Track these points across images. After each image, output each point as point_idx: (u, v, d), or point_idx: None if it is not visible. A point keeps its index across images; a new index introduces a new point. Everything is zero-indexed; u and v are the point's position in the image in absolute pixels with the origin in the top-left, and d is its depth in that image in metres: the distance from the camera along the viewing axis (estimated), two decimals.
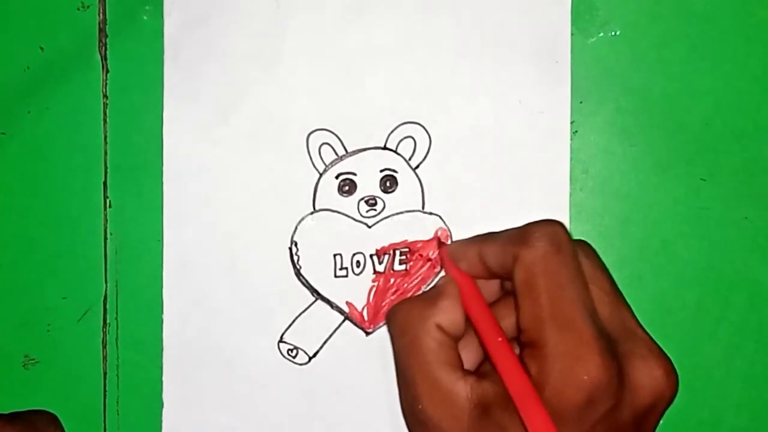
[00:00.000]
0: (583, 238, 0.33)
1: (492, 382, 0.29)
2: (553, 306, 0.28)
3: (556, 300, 0.28)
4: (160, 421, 0.43)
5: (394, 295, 0.42)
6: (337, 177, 0.43)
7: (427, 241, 0.42)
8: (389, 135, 0.43)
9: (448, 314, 0.32)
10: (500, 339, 0.30)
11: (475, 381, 0.30)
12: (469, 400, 0.29)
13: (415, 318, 0.32)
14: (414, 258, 0.42)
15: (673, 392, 0.30)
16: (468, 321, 0.33)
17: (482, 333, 0.31)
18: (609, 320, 0.30)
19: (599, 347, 0.28)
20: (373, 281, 0.42)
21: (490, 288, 0.34)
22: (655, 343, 0.31)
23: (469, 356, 0.33)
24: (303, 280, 0.42)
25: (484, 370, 0.32)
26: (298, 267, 0.42)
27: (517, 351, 0.30)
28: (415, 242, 0.42)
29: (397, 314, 0.33)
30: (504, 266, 0.31)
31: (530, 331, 0.29)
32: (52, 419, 0.42)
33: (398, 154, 0.43)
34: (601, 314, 0.30)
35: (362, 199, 0.43)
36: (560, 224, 0.31)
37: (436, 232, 0.42)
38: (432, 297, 0.33)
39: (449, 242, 0.41)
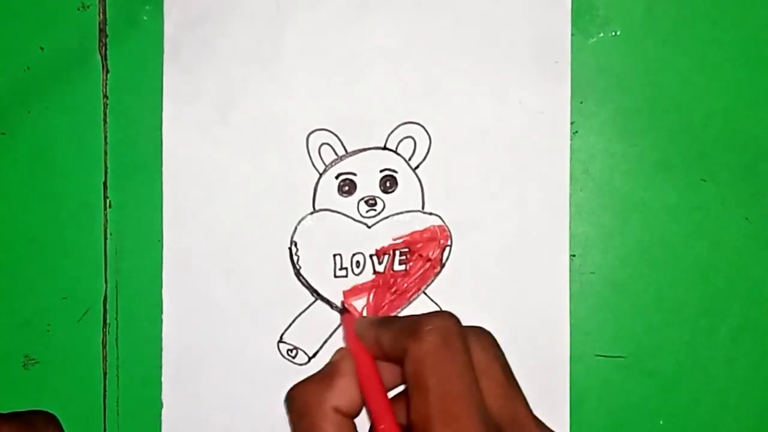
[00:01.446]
0: (478, 325, 0.33)
1: None
2: (441, 402, 0.29)
3: (443, 396, 0.29)
4: (160, 421, 0.42)
5: (394, 295, 0.42)
6: (337, 177, 0.43)
7: (427, 241, 0.42)
8: (389, 135, 0.43)
9: (344, 395, 0.32)
10: (384, 426, 0.31)
11: None
12: None
13: (312, 402, 0.32)
14: (414, 258, 0.42)
15: None
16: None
17: (374, 418, 0.32)
18: (499, 413, 0.30)
19: None
20: (373, 281, 0.42)
21: (393, 369, 0.34)
22: None
23: None
24: (303, 280, 0.42)
25: None
26: (298, 267, 0.42)
27: None
28: (415, 242, 0.42)
29: (294, 398, 0.33)
30: (396, 355, 0.31)
31: (418, 425, 0.29)
32: (52, 419, 0.42)
33: (398, 154, 0.43)
34: (492, 407, 0.30)
35: (362, 199, 0.43)
36: (452, 316, 0.31)
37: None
38: (328, 377, 0.33)
39: (358, 313, 0.42)
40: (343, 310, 0.41)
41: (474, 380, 0.30)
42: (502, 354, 0.32)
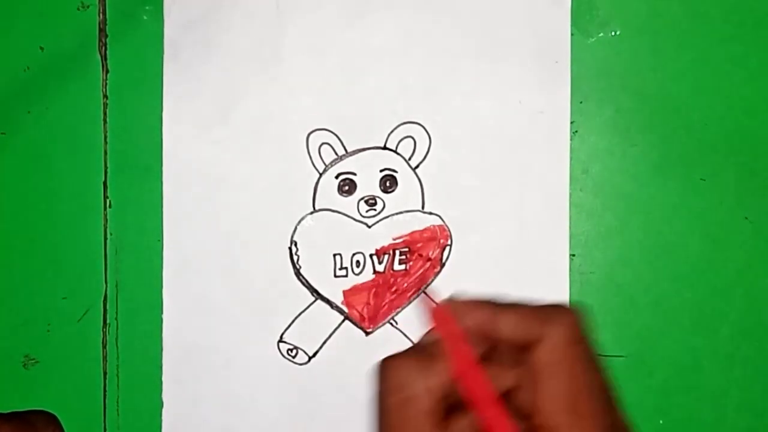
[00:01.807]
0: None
1: None
2: (576, 395, 0.29)
3: (580, 390, 0.29)
4: (160, 421, 0.43)
5: (394, 295, 0.42)
6: (337, 177, 0.43)
7: (427, 241, 0.42)
8: (389, 135, 0.43)
9: (442, 377, 0.31)
10: (501, 413, 0.30)
11: None
12: None
13: (411, 377, 0.31)
14: (414, 258, 0.42)
15: None
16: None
17: (480, 405, 0.31)
18: (609, 414, 0.31)
19: None
20: (373, 281, 0.42)
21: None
22: None
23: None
24: (303, 280, 0.42)
25: None
26: (298, 267, 0.42)
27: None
28: (415, 242, 0.42)
29: (390, 370, 0.32)
30: (525, 338, 0.31)
31: (547, 413, 0.29)
32: (52, 419, 0.42)
33: (398, 154, 0.43)
34: (603, 408, 0.30)
35: (362, 199, 0.43)
36: (580, 313, 0.31)
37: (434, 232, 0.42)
38: (427, 355, 0.32)
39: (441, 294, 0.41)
40: (433, 303, 0.40)
41: (605, 377, 0.30)
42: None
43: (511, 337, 0.31)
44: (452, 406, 0.32)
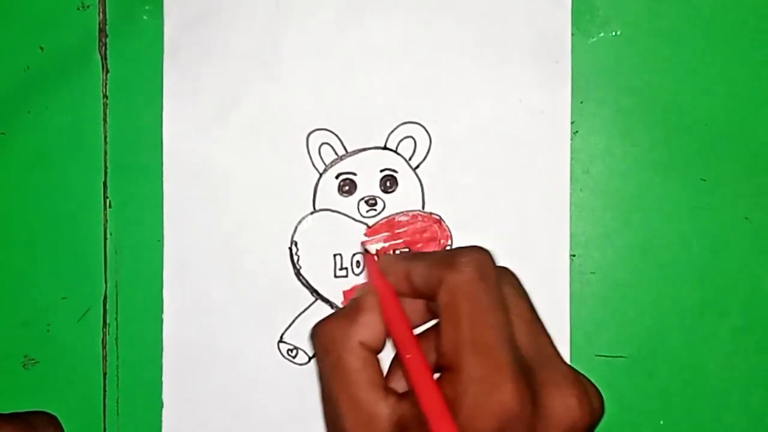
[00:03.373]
0: (505, 266, 0.34)
1: (411, 402, 0.30)
2: (473, 331, 0.29)
3: (476, 325, 0.29)
4: (160, 421, 0.42)
5: None
6: (337, 177, 0.43)
7: (427, 241, 0.42)
8: (389, 135, 0.43)
9: (370, 330, 0.32)
10: (419, 357, 0.30)
11: (395, 401, 0.30)
12: (389, 421, 0.30)
13: (337, 336, 0.32)
14: (365, 256, 0.42)
15: (586, 420, 0.30)
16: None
17: (399, 349, 0.32)
18: (527, 348, 0.31)
19: (514, 375, 0.28)
20: None
21: (417, 308, 0.34)
22: (573, 371, 0.31)
23: (398, 375, 0.33)
24: (303, 280, 0.42)
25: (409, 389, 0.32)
26: (298, 267, 0.42)
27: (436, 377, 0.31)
28: (415, 242, 0.42)
29: (319, 333, 0.33)
30: (429, 287, 0.31)
31: (448, 355, 0.29)
32: (52, 420, 0.42)
33: (398, 154, 0.43)
34: (520, 342, 0.30)
35: (362, 199, 0.43)
36: (487, 252, 0.32)
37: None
38: (353, 312, 0.33)
39: (382, 253, 0.42)
40: (365, 252, 0.41)
41: (506, 314, 0.30)
42: (527, 293, 0.33)
43: (420, 285, 0.32)
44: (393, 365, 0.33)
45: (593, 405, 0.30)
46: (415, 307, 0.34)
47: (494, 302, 0.30)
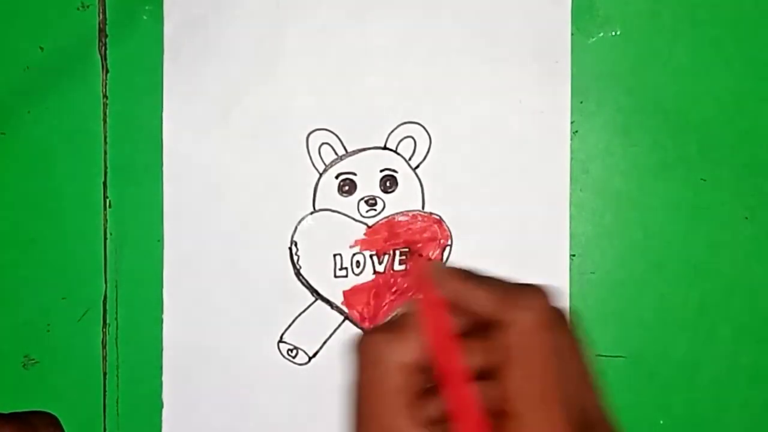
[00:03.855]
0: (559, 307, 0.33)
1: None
2: (543, 383, 0.28)
3: (546, 377, 0.28)
4: (160, 421, 0.42)
5: (394, 295, 0.42)
6: (337, 177, 0.43)
7: (427, 241, 0.42)
8: (389, 135, 0.43)
9: (418, 350, 0.31)
10: (463, 396, 0.29)
11: None
12: None
13: (384, 353, 0.31)
14: (414, 258, 0.42)
15: None
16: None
17: (448, 382, 0.30)
18: (582, 401, 0.30)
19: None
20: (373, 281, 0.42)
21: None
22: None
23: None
24: (303, 280, 0.42)
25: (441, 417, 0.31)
26: (298, 267, 0.42)
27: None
28: (415, 242, 0.42)
29: (365, 346, 0.32)
30: (495, 316, 0.30)
31: (513, 399, 0.28)
32: (52, 420, 0.42)
33: (398, 154, 0.43)
34: (578, 398, 0.30)
35: (362, 199, 0.43)
36: (553, 294, 0.30)
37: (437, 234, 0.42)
38: (403, 329, 0.32)
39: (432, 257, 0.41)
40: (415, 256, 0.40)
41: (575, 366, 0.29)
42: (580, 335, 0.32)
43: (480, 313, 0.30)
44: (429, 385, 0.32)
45: None
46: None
47: (566, 353, 0.29)
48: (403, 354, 0.30)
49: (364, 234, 0.42)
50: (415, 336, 0.30)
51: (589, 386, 0.31)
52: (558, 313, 0.29)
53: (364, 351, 0.31)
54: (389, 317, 0.32)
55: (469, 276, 0.32)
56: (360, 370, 0.31)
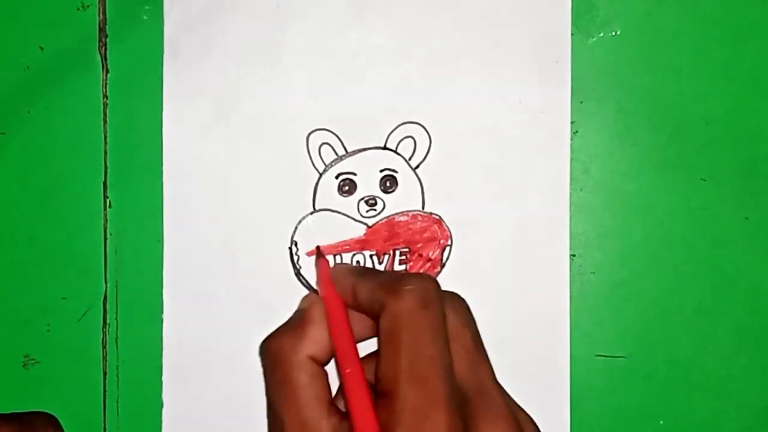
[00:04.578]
0: (454, 291, 0.34)
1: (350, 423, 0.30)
2: (411, 361, 0.29)
3: (414, 356, 0.29)
4: (160, 421, 0.42)
5: None
6: (337, 177, 0.43)
7: (427, 241, 0.42)
8: (389, 135, 0.43)
9: (318, 343, 0.32)
10: (359, 378, 0.30)
11: (338, 420, 0.30)
12: None
13: (286, 351, 0.32)
14: (414, 258, 0.42)
15: None
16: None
17: (340, 365, 0.32)
18: (466, 379, 0.31)
19: (448, 407, 0.28)
20: None
21: (366, 321, 0.34)
22: (510, 404, 0.31)
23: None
24: (303, 280, 0.42)
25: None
26: (298, 267, 0.42)
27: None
28: (415, 242, 0.42)
29: (268, 348, 0.33)
30: (372, 308, 0.31)
31: (385, 381, 0.29)
32: (52, 420, 0.41)
33: (398, 154, 0.43)
34: (460, 373, 0.31)
35: (362, 199, 0.43)
36: (432, 279, 0.32)
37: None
38: (300, 326, 0.33)
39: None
40: (319, 255, 0.41)
41: (446, 344, 0.30)
42: (474, 322, 0.33)
43: (365, 304, 0.32)
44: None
45: None
46: (363, 320, 0.34)
47: (435, 333, 0.30)
48: (307, 348, 0.32)
49: (364, 234, 0.42)
50: (316, 330, 0.32)
51: (476, 362, 0.32)
52: (432, 296, 0.31)
53: (272, 351, 0.32)
54: (290, 317, 0.34)
55: (361, 270, 0.34)
56: (271, 370, 0.32)
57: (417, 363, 0.29)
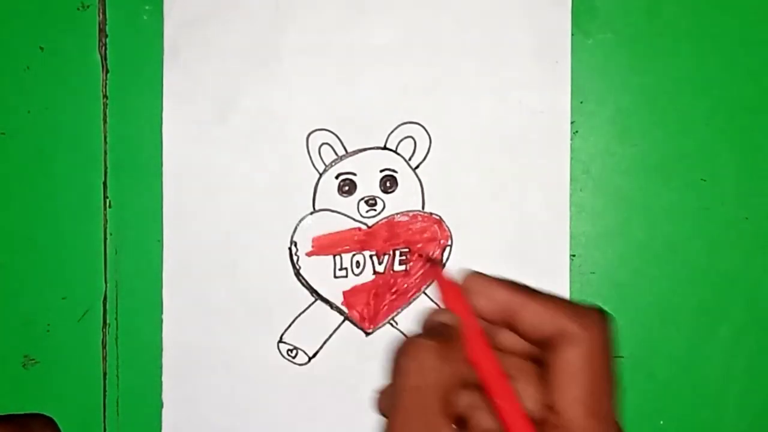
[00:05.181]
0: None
1: None
2: (595, 398, 0.29)
3: (598, 393, 0.29)
4: (160, 421, 0.42)
5: (394, 296, 0.42)
6: (337, 177, 0.43)
7: (427, 241, 0.42)
8: (389, 135, 0.43)
9: (460, 365, 0.31)
10: (518, 407, 0.30)
11: None
12: None
13: (431, 362, 0.31)
14: (414, 258, 0.42)
15: None
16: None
17: (494, 397, 0.30)
18: (614, 415, 0.31)
19: None
20: (373, 282, 0.42)
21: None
22: None
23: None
24: (303, 281, 0.42)
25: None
26: (297, 267, 0.42)
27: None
28: (415, 242, 0.42)
29: (412, 351, 0.32)
30: (541, 332, 0.30)
31: (563, 413, 0.29)
32: (49, 422, 0.41)
33: (398, 154, 0.43)
34: (611, 410, 0.31)
35: (362, 199, 0.43)
36: (608, 315, 0.31)
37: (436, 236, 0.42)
38: (446, 339, 0.32)
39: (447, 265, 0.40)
40: (434, 263, 0.39)
41: (617, 384, 0.30)
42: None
43: (532, 329, 0.31)
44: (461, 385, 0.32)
45: None
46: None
47: (614, 372, 0.30)
48: (448, 364, 0.30)
49: (364, 234, 0.42)
50: (456, 346, 0.30)
51: (616, 400, 0.32)
52: (612, 334, 0.30)
53: (411, 356, 0.31)
54: (429, 324, 0.32)
55: (517, 288, 0.32)
56: (403, 374, 0.31)
57: (600, 401, 0.29)
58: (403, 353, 0.31)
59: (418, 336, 0.31)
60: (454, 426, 0.29)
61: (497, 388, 0.30)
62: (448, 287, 0.32)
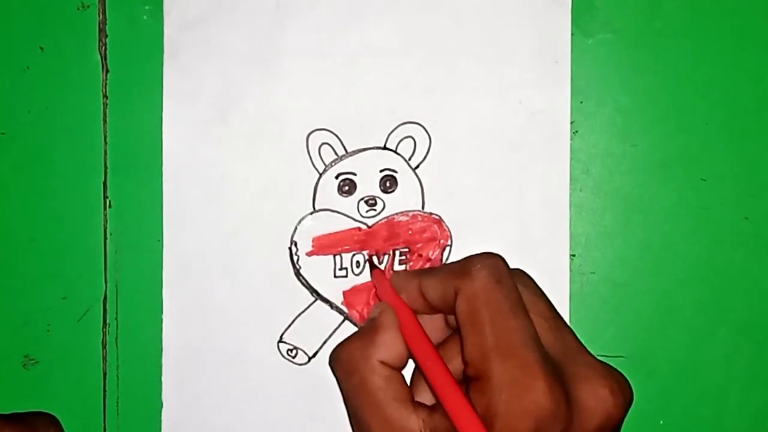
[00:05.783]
0: (518, 268, 0.34)
1: (442, 414, 0.30)
2: (497, 336, 0.29)
3: (499, 330, 0.29)
4: (160, 421, 0.42)
5: None
6: (337, 177, 0.43)
7: (427, 241, 0.42)
8: (389, 135, 0.43)
9: (389, 348, 0.32)
10: (443, 371, 0.30)
11: (426, 415, 0.30)
12: None
13: (358, 358, 0.32)
14: (414, 258, 0.42)
15: (620, 410, 0.30)
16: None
17: (422, 365, 0.31)
18: (552, 345, 0.31)
19: (544, 374, 0.28)
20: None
21: (435, 324, 0.34)
22: (600, 362, 0.31)
23: (423, 387, 0.33)
24: (303, 280, 0.42)
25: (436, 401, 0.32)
26: (297, 267, 0.42)
27: (463, 387, 0.31)
28: (415, 242, 0.42)
29: (340, 356, 0.33)
30: (445, 299, 0.31)
31: (475, 363, 0.29)
32: (53, 421, 0.41)
33: (398, 154, 0.43)
34: (544, 340, 0.30)
35: (362, 199, 0.43)
36: (499, 256, 0.32)
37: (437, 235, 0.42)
38: (371, 332, 0.33)
39: (386, 267, 0.41)
40: (373, 267, 0.41)
41: (527, 314, 0.30)
42: (543, 291, 0.33)
43: (436, 299, 0.32)
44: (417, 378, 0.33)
45: (625, 394, 0.30)
46: (433, 324, 0.34)
47: (513, 305, 0.30)
48: (379, 353, 0.32)
49: (364, 234, 0.42)
50: (387, 336, 0.32)
51: (557, 327, 0.32)
52: (503, 271, 0.31)
53: (344, 359, 0.32)
54: (362, 326, 0.34)
55: (420, 271, 0.34)
56: (346, 378, 0.32)
57: (503, 336, 0.29)
58: (333, 361, 0.32)
59: (342, 342, 0.33)
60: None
61: (427, 361, 0.31)
62: (380, 284, 0.36)
